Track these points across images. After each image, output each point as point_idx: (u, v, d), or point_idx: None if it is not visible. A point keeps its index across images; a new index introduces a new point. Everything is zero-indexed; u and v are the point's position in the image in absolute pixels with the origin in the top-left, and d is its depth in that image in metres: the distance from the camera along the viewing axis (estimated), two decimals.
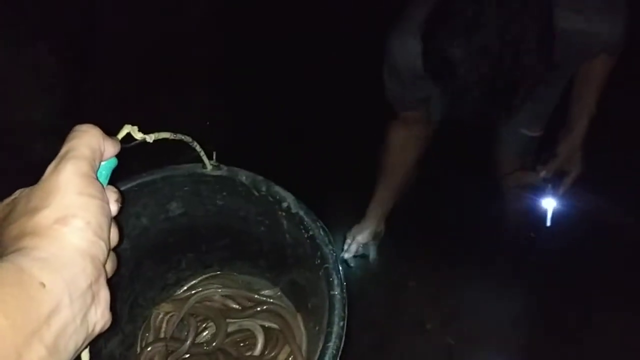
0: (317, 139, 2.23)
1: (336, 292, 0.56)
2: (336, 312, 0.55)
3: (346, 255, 1.38)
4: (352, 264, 1.48)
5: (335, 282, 0.57)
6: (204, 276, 0.84)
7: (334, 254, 0.58)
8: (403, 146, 1.45)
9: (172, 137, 0.54)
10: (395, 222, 1.70)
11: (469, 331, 1.69)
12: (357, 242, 1.40)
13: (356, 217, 1.55)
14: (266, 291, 0.82)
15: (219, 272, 0.84)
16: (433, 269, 1.87)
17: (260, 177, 0.64)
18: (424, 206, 2.00)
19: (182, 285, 0.83)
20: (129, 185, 0.65)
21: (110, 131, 0.47)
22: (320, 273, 0.59)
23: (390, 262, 1.85)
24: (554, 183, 1.41)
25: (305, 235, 0.61)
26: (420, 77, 1.19)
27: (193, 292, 0.83)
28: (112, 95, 1.86)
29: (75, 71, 1.77)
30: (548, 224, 1.47)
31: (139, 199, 0.67)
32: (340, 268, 0.57)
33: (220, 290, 0.83)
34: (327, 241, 0.59)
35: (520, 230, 1.93)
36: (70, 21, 1.76)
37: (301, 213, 0.61)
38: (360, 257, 1.49)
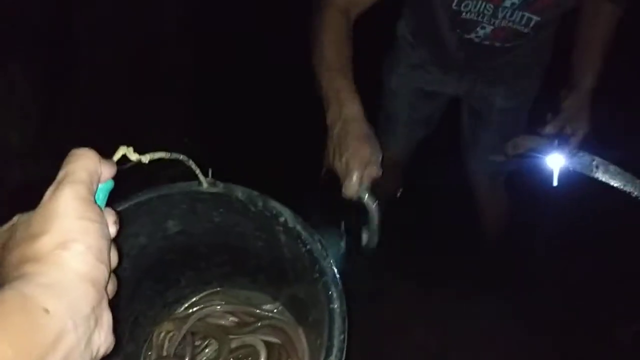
0: (297, 143, 2.24)
1: (335, 306, 0.56)
2: (336, 325, 0.56)
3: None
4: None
5: (335, 295, 0.57)
6: (204, 293, 0.84)
7: (333, 267, 0.58)
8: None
9: (167, 157, 0.55)
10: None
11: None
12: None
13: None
14: (267, 306, 0.82)
15: (218, 289, 0.84)
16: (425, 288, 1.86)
17: (256, 193, 0.65)
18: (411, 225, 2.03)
19: (183, 303, 0.83)
20: (125, 206, 0.65)
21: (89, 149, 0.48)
22: (319, 286, 0.59)
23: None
24: (559, 140, 1.33)
25: (303, 249, 0.61)
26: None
27: (194, 309, 0.83)
28: (88, 114, 1.85)
29: (49, 93, 1.76)
30: (555, 184, 1.35)
31: (136, 219, 0.67)
32: (340, 281, 0.58)
33: (220, 306, 0.83)
34: (324, 254, 0.59)
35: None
36: (42, 43, 1.75)
37: (298, 227, 0.62)
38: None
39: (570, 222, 1.88)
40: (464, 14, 1.23)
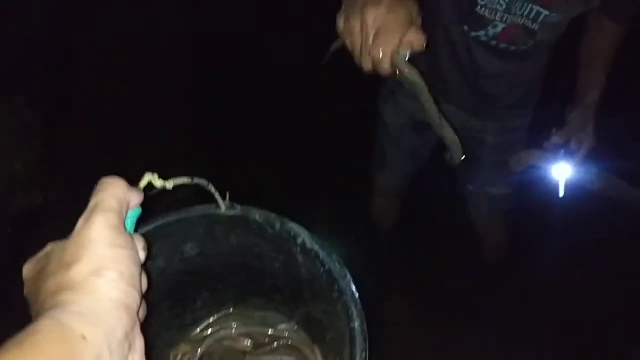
0: (297, 144, 2.25)
1: (356, 325, 0.57)
2: (357, 343, 0.56)
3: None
4: None
5: (355, 314, 0.58)
6: (219, 314, 0.84)
7: (351, 286, 0.59)
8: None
9: (190, 182, 0.56)
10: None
11: None
12: None
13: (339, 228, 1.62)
14: (282, 325, 0.82)
15: (234, 309, 0.85)
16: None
17: (273, 215, 0.66)
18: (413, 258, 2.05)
19: (198, 325, 0.84)
20: (144, 230, 0.66)
21: (95, 173, 0.50)
22: (338, 306, 0.60)
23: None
24: (565, 150, 1.34)
25: (321, 270, 0.62)
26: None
27: (209, 330, 0.83)
28: (90, 141, 1.87)
29: (52, 121, 1.79)
30: (561, 194, 1.38)
31: (155, 242, 0.68)
32: (359, 300, 0.59)
33: (236, 327, 0.83)
34: (343, 274, 0.60)
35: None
36: (44, 73, 1.78)
37: (316, 248, 0.63)
38: None
39: (576, 242, 1.89)
40: (479, 7, 1.22)
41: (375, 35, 0.67)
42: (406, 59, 0.68)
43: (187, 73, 2.37)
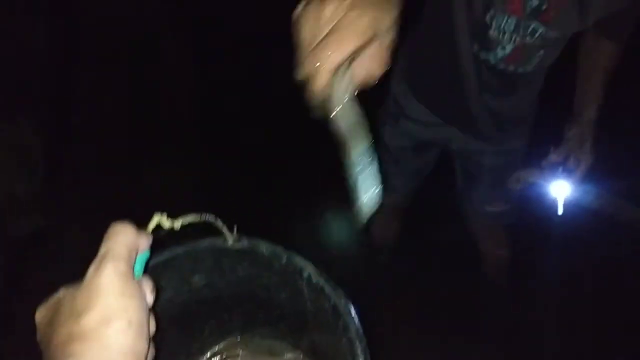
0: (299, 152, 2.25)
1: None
2: None
3: None
4: None
5: (359, 350, 0.59)
6: (226, 342, 0.85)
7: (356, 323, 0.60)
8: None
9: (197, 220, 0.58)
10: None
11: None
12: None
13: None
14: (288, 355, 0.83)
15: (241, 338, 0.85)
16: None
17: (280, 248, 0.67)
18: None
19: (205, 353, 0.85)
20: (154, 262, 0.67)
21: (98, 197, 0.51)
22: (343, 341, 0.61)
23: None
24: (564, 167, 1.35)
25: (327, 305, 0.63)
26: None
27: (217, 359, 0.84)
28: (93, 164, 1.90)
29: (56, 144, 1.81)
30: (560, 212, 1.38)
31: (163, 275, 0.69)
32: (364, 337, 0.59)
33: (243, 355, 0.84)
34: (348, 310, 0.61)
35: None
36: (48, 99, 1.80)
37: (321, 282, 0.64)
38: None
39: (576, 259, 1.89)
40: (491, 30, 1.24)
41: (327, 35, 0.47)
42: (346, 90, 0.50)
43: (189, 83, 2.39)
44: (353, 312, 0.61)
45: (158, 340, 0.78)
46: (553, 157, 1.36)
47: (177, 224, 0.56)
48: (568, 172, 1.35)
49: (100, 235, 0.46)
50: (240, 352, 0.85)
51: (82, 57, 1.94)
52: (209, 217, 0.61)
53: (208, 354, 0.85)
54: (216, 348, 0.85)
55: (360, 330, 0.60)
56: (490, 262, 1.93)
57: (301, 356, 0.83)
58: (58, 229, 1.66)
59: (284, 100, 2.29)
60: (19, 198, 1.62)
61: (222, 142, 2.32)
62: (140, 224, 0.52)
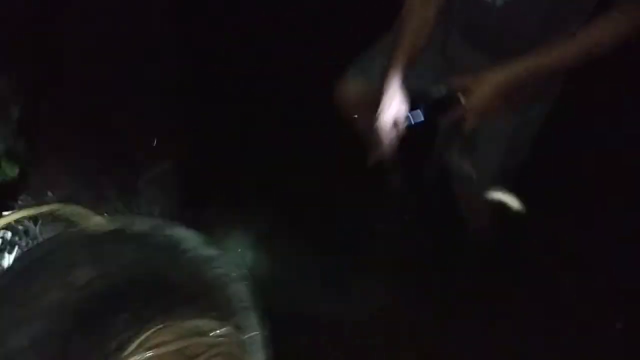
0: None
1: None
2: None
3: None
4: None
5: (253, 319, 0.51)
6: (148, 332, 0.77)
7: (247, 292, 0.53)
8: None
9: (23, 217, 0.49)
10: None
11: None
12: None
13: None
14: (217, 331, 0.75)
15: (162, 325, 0.77)
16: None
17: (155, 222, 0.58)
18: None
19: (126, 349, 0.76)
20: (18, 267, 0.58)
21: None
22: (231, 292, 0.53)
23: None
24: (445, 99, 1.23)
25: (216, 270, 0.55)
26: None
27: (141, 353, 0.76)
28: (70, 113, 1.84)
29: (31, 91, 1.75)
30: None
31: (36, 277, 0.60)
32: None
33: (169, 343, 0.76)
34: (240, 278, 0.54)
35: None
36: (25, 51, 1.73)
37: (206, 252, 0.56)
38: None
39: None
40: None
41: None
42: None
43: (174, 42, 2.25)
44: (244, 278, 0.53)
45: (62, 348, 0.70)
46: (441, 87, 1.24)
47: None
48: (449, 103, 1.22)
49: None
50: (167, 340, 0.76)
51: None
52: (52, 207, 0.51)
53: (131, 349, 0.77)
54: (138, 341, 0.77)
55: (248, 294, 0.52)
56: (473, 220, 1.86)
57: (231, 329, 0.75)
58: (29, 180, 1.60)
59: (284, 100, 2.20)
60: None
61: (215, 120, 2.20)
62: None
